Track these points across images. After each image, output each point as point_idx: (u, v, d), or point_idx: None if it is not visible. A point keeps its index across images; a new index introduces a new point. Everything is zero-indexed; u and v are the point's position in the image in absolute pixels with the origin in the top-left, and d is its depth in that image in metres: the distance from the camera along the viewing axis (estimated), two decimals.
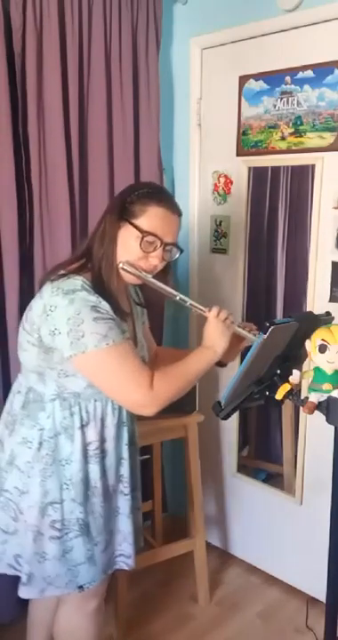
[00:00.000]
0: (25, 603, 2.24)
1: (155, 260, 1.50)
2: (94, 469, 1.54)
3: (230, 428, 2.58)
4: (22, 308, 2.09)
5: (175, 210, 1.54)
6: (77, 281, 1.44)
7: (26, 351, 1.52)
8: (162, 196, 1.54)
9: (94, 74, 2.17)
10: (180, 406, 2.25)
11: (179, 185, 2.65)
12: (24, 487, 1.53)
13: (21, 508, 1.54)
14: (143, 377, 1.46)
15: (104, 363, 1.43)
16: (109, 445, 1.57)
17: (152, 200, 1.49)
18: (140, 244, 1.47)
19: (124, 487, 1.63)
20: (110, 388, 1.48)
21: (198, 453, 2.33)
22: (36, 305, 1.48)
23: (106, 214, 1.53)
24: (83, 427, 1.52)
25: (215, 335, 1.53)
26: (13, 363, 2.09)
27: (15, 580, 2.22)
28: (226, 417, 1.51)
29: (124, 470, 1.63)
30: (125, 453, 1.62)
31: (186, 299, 1.57)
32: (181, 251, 1.57)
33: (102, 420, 1.55)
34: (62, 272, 1.48)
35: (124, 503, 1.64)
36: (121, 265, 1.49)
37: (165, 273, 1.58)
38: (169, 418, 2.24)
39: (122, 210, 1.49)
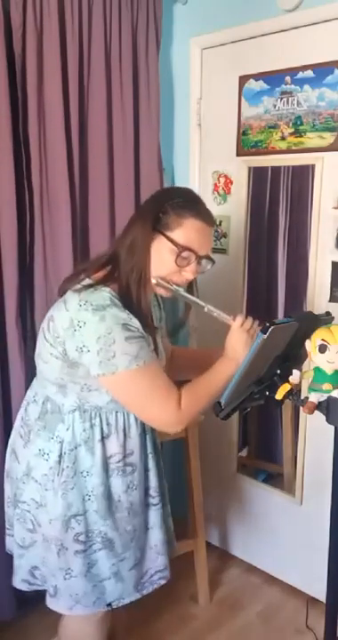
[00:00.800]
0: (25, 601, 2.25)
1: (189, 275, 1.45)
2: (117, 483, 1.51)
3: (230, 428, 2.58)
4: (21, 308, 2.10)
5: (211, 221, 1.48)
6: (106, 294, 1.37)
7: (47, 363, 1.46)
8: (199, 206, 1.46)
9: (94, 74, 2.17)
10: None
11: (179, 185, 2.65)
12: (42, 500, 1.50)
13: (40, 520, 1.51)
14: (172, 397, 1.43)
15: (134, 384, 1.40)
16: (135, 458, 1.53)
17: (189, 212, 1.42)
18: (176, 260, 1.41)
19: (153, 498, 1.60)
20: (139, 407, 1.46)
21: (198, 453, 2.33)
22: (60, 317, 1.41)
23: (137, 222, 1.46)
24: (103, 439, 1.48)
25: (239, 346, 1.46)
26: (12, 363, 2.09)
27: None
28: (226, 417, 1.51)
29: (152, 481, 1.60)
30: (151, 463, 1.59)
31: (213, 309, 1.50)
32: (213, 262, 1.50)
33: (124, 432, 1.51)
34: (88, 282, 1.42)
35: (154, 515, 1.61)
36: (154, 281, 1.43)
37: (192, 283, 1.54)
38: None
39: (156, 220, 1.41)
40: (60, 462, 1.47)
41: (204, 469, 2.41)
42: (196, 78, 2.50)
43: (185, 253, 1.41)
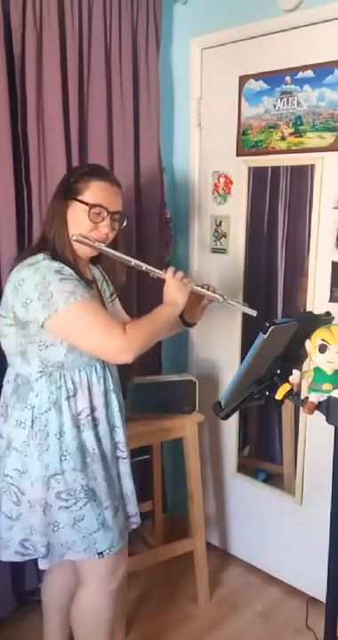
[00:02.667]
0: (24, 597, 2.25)
1: (105, 229, 1.61)
2: (89, 437, 1.61)
3: (230, 428, 2.58)
4: None
5: (115, 182, 1.66)
6: (39, 255, 1.55)
7: (6, 336, 1.60)
8: (101, 170, 1.68)
9: (94, 74, 2.17)
10: (180, 406, 2.26)
11: (179, 185, 2.65)
12: (23, 467, 1.59)
13: (23, 488, 1.59)
14: (115, 325, 1.55)
15: (75, 317, 1.51)
16: (100, 414, 1.64)
17: (93, 176, 1.62)
18: (89, 216, 1.58)
19: (122, 452, 1.72)
20: (86, 340, 1.55)
21: (198, 453, 2.33)
22: (6, 289, 1.57)
23: (53, 199, 1.66)
24: (69, 397, 1.58)
25: (173, 292, 1.66)
26: None
27: (14, 574, 2.23)
28: (226, 417, 1.51)
29: (119, 437, 1.71)
30: (118, 421, 1.70)
31: (141, 263, 1.68)
32: (126, 218, 1.71)
33: (89, 389, 1.62)
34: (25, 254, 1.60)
35: (124, 467, 1.73)
36: (74, 237, 1.59)
37: (115, 244, 1.70)
38: (169, 418, 2.24)
39: (67, 190, 1.61)
40: (32, 427, 1.57)
41: (204, 469, 2.41)
42: (196, 78, 2.50)
43: (95, 209, 1.59)
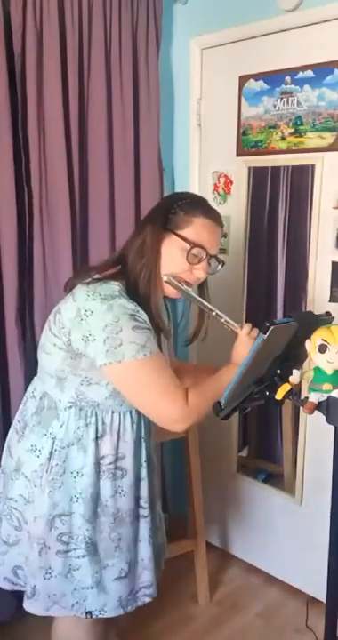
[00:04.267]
0: (23, 598, 2.25)
1: (200, 273, 1.46)
2: (106, 486, 1.49)
3: (230, 428, 2.58)
4: (21, 309, 2.10)
5: (219, 221, 1.50)
6: (115, 286, 1.38)
7: (49, 355, 1.45)
8: (207, 206, 1.50)
9: (94, 74, 2.17)
10: None
11: (179, 185, 2.65)
12: (30, 496, 1.49)
13: (26, 517, 1.50)
14: (179, 392, 1.42)
15: (140, 374, 1.38)
16: (128, 463, 1.51)
17: (198, 210, 1.45)
18: (187, 257, 1.42)
19: (144, 510, 1.56)
20: (142, 400, 1.43)
21: (198, 453, 2.33)
22: (67, 308, 1.40)
23: (146, 224, 1.47)
24: (97, 439, 1.46)
25: (243, 350, 1.47)
26: (12, 363, 2.09)
27: None
28: (226, 417, 1.51)
29: (143, 491, 1.56)
30: (143, 472, 1.55)
31: (222, 314, 1.52)
32: (223, 263, 1.52)
33: (118, 434, 1.49)
34: (97, 276, 1.43)
35: (143, 528, 1.57)
36: (166, 278, 1.43)
37: (203, 287, 1.57)
38: None
39: (165, 220, 1.44)
40: (50, 459, 1.46)
41: (204, 469, 2.41)
42: (196, 78, 2.50)
43: (195, 250, 1.43)
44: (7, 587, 1.57)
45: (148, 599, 1.60)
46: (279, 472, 2.66)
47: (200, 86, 2.50)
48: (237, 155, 2.40)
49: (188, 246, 1.42)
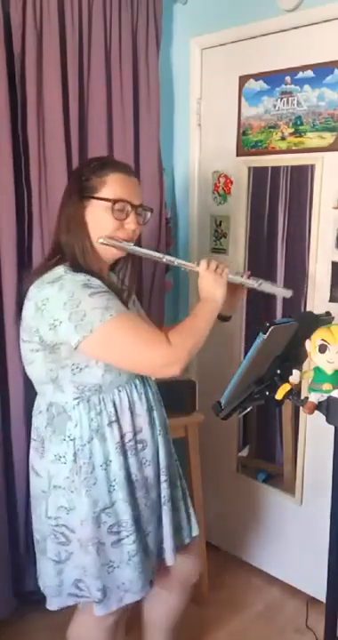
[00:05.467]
0: (25, 598, 2.25)
1: (131, 225, 1.47)
2: (132, 463, 1.51)
3: (230, 428, 2.58)
4: (21, 309, 2.09)
5: (132, 173, 1.52)
6: (59, 269, 1.41)
7: (32, 363, 1.46)
8: (114, 162, 1.53)
9: (94, 74, 2.17)
10: (180, 406, 2.26)
11: (179, 185, 2.65)
12: (70, 504, 1.48)
13: (72, 526, 1.49)
14: (158, 336, 1.41)
15: (114, 335, 1.37)
16: (146, 434, 1.53)
17: (107, 168, 1.47)
18: (113, 214, 1.44)
19: (164, 478, 1.59)
20: (129, 358, 1.42)
21: (198, 453, 2.33)
22: (26, 309, 1.43)
23: (64, 202, 1.50)
24: (111, 423, 1.47)
25: (210, 286, 1.51)
26: (11, 362, 2.09)
27: (15, 575, 2.23)
28: (226, 417, 1.51)
29: (162, 460, 1.58)
30: (161, 441, 1.57)
31: (172, 258, 1.58)
32: (151, 210, 1.56)
33: (131, 410, 1.50)
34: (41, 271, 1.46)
35: (165, 493, 1.60)
36: (100, 240, 1.45)
37: (138, 243, 1.57)
38: (169, 418, 2.24)
39: (81, 189, 1.46)
40: (75, 461, 1.46)
41: (204, 469, 2.41)
42: (196, 78, 2.50)
43: (118, 205, 1.44)
44: (72, 602, 1.57)
45: (168, 562, 1.63)
46: (279, 472, 2.66)
47: (200, 86, 2.50)
48: (237, 155, 2.40)
49: (109, 204, 1.43)
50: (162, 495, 1.59)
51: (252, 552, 2.62)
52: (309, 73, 2.11)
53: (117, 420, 1.47)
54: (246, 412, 1.49)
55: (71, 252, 1.44)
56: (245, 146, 2.36)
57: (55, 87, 2.04)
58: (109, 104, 2.23)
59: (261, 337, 1.33)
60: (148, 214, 1.55)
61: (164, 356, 1.40)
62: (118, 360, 1.43)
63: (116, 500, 1.48)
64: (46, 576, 1.55)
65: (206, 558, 2.38)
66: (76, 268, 1.42)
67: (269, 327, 1.32)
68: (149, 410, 1.55)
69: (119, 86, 2.24)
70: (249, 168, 2.39)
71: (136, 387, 1.51)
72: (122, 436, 1.48)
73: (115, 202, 1.43)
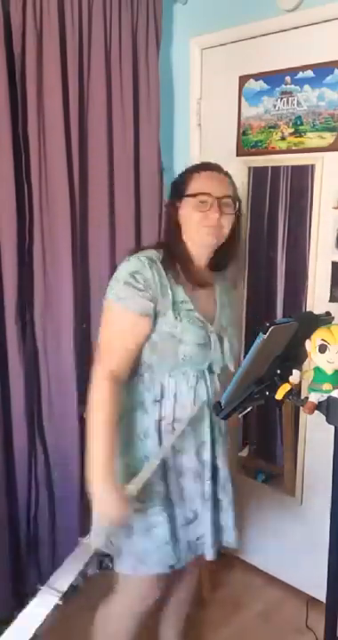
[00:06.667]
0: (24, 599, 2.24)
1: (214, 214, 1.55)
2: (167, 446, 1.56)
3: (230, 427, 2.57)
4: (21, 308, 2.10)
5: (219, 170, 1.64)
6: (149, 252, 1.58)
7: None
8: (205, 163, 1.66)
9: (94, 74, 2.17)
10: None
11: None
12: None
13: None
14: (109, 364, 1.51)
15: (107, 314, 1.54)
16: (183, 425, 1.56)
17: (195, 169, 1.62)
18: (196, 207, 1.55)
19: (207, 473, 1.63)
20: (100, 337, 1.56)
21: None
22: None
23: (165, 208, 1.69)
24: (156, 401, 1.56)
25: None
26: (11, 360, 2.09)
27: (13, 575, 2.23)
28: (226, 417, 1.51)
29: (206, 455, 1.62)
30: (206, 436, 1.62)
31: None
32: (240, 201, 1.64)
33: (175, 397, 1.57)
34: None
35: (207, 490, 1.64)
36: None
37: (236, 237, 1.68)
38: None
39: (174, 194, 1.63)
40: (118, 425, 1.54)
41: None
42: (196, 78, 2.50)
43: (201, 197, 1.55)
44: (106, 550, 1.64)
45: (208, 556, 1.68)
46: (279, 472, 2.66)
47: (200, 86, 2.50)
48: (237, 155, 2.39)
49: (193, 198, 1.56)
50: (204, 491, 1.63)
51: (252, 552, 2.61)
52: (309, 73, 2.11)
53: (161, 401, 1.57)
54: (246, 412, 1.48)
55: (166, 245, 1.61)
56: (245, 146, 2.36)
57: (55, 87, 2.05)
58: (109, 104, 2.23)
59: (261, 337, 1.33)
60: (236, 205, 1.62)
61: (96, 371, 1.52)
62: (100, 335, 1.56)
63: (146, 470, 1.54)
64: None
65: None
66: (166, 258, 1.57)
67: (269, 327, 1.32)
68: (199, 406, 1.59)
69: (119, 86, 2.24)
70: (249, 168, 2.39)
71: (188, 379, 1.58)
72: (163, 417, 1.57)
73: (196, 195, 1.56)
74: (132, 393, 1.58)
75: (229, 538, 1.75)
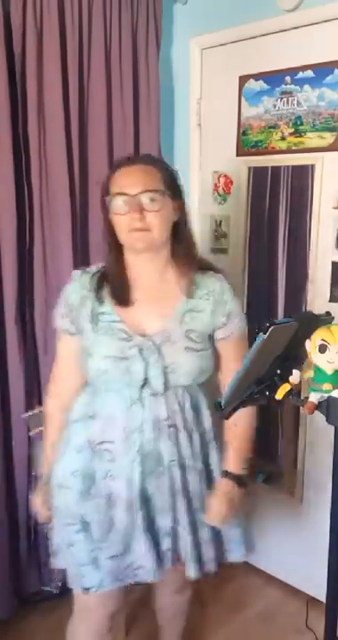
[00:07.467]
0: (26, 598, 2.26)
1: (134, 214, 1.38)
2: (100, 468, 1.48)
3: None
4: (21, 308, 2.10)
5: (134, 161, 1.46)
6: (93, 267, 1.58)
7: None
8: (123, 158, 1.51)
9: (94, 74, 2.17)
10: None
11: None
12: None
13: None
14: (52, 378, 1.60)
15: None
16: (118, 449, 1.45)
17: (116, 166, 1.47)
18: (114, 210, 1.41)
19: (138, 506, 1.47)
20: None
21: None
22: None
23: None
24: (92, 417, 1.50)
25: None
26: (11, 361, 2.09)
27: (15, 575, 2.23)
28: (226, 417, 1.51)
29: (135, 484, 1.45)
30: (136, 464, 1.45)
31: None
32: (177, 189, 1.46)
33: (107, 417, 1.46)
34: None
35: (139, 523, 1.47)
36: None
37: (178, 231, 1.49)
38: None
39: (102, 199, 1.48)
40: (64, 432, 1.56)
41: None
42: (196, 78, 2.50)
43: (118, 199, 1.40)
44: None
45: (139, 579, 1.51)
46: (279, 472, 2.66)
47: (200, 86, 2.50)
48: (237, 155, 2.40)
49: (114, 202, 1.41)
50: (136, 524, 1.46)
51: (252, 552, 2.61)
52: (309, 73, 2.11)
53: (95, 418, 1.49)
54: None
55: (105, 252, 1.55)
56: (245, 146, 2.36)
57: (55, 87, 2.05)
58: (109, 104, 2.23)
59: (261, 337, 1.33)
60: (155, 195, 1.39)
61: (46, 390, 1.62)
62: None
63: (73, 487, 1.50)
64: None
65: None
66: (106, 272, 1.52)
67: (269, 327, 1.32)
68: (133, 431, 1.44)
69: (119, 86, 2.24)
70: (249, 168, 2.39)
71: (125, 399, 1.44)
72: (92, 436, 1.50)
73: (109, 196, 1.42)
74: (77, 404, 1.54)
75: (230, 552, 1.68)
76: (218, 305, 1.51)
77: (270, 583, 2.51)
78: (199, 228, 2.60)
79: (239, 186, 2.42)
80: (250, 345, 1.42)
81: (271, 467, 2.76)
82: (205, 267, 1.56)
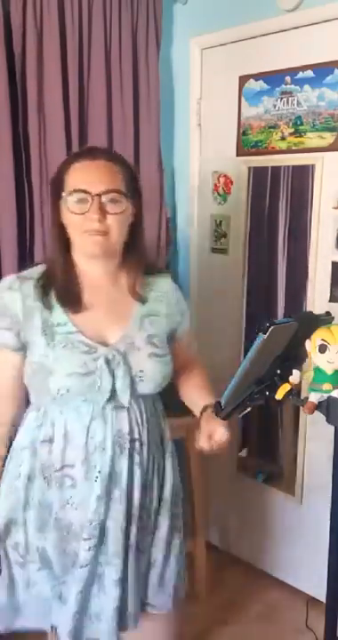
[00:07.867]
0: None
1: (94, 215, 1.25)
2: (55, 497, 1.33)
3: (230, 428, 2.57)
4: None
5: (96, 155, 1.30)
6: (34, 268, 1.38)
7: None
8: (84, 149, 1.39)
9: (94, 74, 2.17)
10: (180, 406, 2.25)
11: (179, 185, 2.65)
12: None
13: None
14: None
15: None
16: (77, 473, 1.31)
17: (69, 161, 1.32)
18: (73, 208, 1.26)
19: (86, 536, 1.31)
20: None
21: (199, 453, 2.33)
22: None
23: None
24: (44, 442, 1.33)
25: None
26: None
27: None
28: (226, 417, 1.51)
29: (91, 513, 1.31)
30: (98, 488, 1.31)
31: None
32: (137, 192, 1.35)
33: (66, 438, 1.32)
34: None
35: (85, 556, 1.32)
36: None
37: (135, 244, 1.37)
38: (169, 418, 2.24)
39: (52, 191, 1.33)
40: (9, 463, 1.40)
41: (204, 469, 2.41)
42: (196, 78, 2.50)
43: (73, 196, 1.26)
44: None
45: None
46: (279, 472, 2.66)
47: (200, 86, 2.50)
48: (237, 155, 2.40)
49: (70, 198, 1.27)
50: (80, 557, 1.32)
51: (252, 552, 2.62)
52: (309, 73, 2.11)
53: (50, 442, 1.33)
54: (246, 412, 1.48)
55: (49, 251, 1.41)
56: (245, 146, 2.36)
57: (55, 87, 2.05)
58: (109, 104, 2.23)
59: (261, 337, 1.33)
60: (124, 199, 1.29)
61: None
62: None
63: (28, 519, 1.36)
64: None
65: (206, 558, 2.38)
66: (49, 269, 1.37)
67: (269, 327, 1.32)
68: (89, 448, 1.31)
69: (119, 86, 2.24)
70: (249, 168, 2.39)
71: (81, 417, 1.31)
72: (51, 463, 1.33)
73: (70, 193, 1.27)
74: (26, 429, 1.36)
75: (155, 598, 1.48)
76: (172, 305, 1.47)
77: (270, 583, 2.51)
78: (199, 228, 2.60)
79: (239, 186, 2.42)
80: (250, 345, 1.42)
81: (271, 467, 2.76)
82: (151, 266, 1.47)
